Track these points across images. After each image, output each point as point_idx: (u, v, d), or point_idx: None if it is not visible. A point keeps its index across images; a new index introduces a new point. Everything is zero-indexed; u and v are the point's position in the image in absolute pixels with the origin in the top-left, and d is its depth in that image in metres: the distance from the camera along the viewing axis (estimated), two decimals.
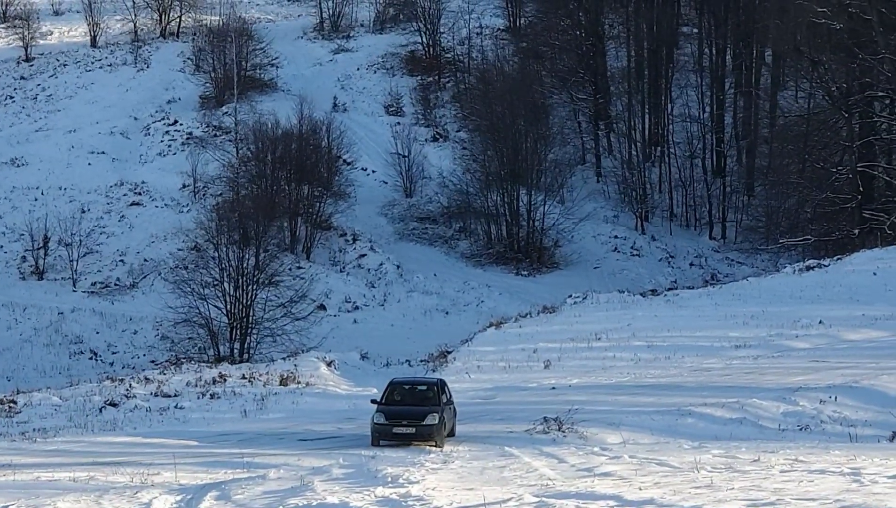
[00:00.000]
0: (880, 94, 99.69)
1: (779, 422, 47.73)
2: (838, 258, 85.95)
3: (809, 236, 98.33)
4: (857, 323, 66.15)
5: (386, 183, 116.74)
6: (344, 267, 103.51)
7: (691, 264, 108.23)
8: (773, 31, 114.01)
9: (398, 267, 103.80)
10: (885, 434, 41.03)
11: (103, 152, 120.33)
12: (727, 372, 59.11)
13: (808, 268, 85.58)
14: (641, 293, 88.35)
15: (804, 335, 65.85)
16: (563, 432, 47.74)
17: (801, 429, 46.59)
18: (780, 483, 24.97)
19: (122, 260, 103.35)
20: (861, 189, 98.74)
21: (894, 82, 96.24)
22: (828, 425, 46.81)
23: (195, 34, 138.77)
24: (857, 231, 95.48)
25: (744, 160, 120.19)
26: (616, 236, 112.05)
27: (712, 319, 72.72)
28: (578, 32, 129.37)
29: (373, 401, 50.94)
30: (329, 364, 72.23)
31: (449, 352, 74.50)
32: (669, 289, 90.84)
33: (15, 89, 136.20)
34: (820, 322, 67.48)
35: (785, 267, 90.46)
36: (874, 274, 77.69)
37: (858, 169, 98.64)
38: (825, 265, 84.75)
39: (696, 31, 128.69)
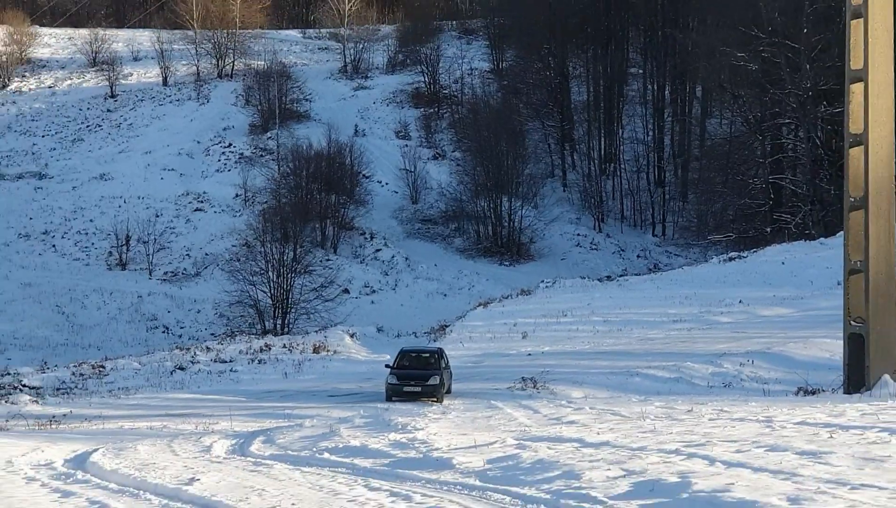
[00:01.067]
0: (787, 120, 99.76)
1: (707, 380, 47.77)
2: (754, 251, 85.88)
3: (731, 234, 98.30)
4: (769, 302, 66.12)
5: (396, 193, 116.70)
6: (363, 259, 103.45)
7: (638, 256, 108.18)
8: (702, 72, 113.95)
9: (406, 259, 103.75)
10: (792, 390, 40.91)
11: (173, 169, 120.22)
12: (666, 341, 59.12)
13: (731, 259, 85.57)
14: (599, 279, 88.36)
15: (727, 311, 65.83)
16: (537, 389, 47.79)
17: (725, 386, 46.60)
18: (708, 428, 24.90)
19: (187, 254, 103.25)
20: (772, 196, 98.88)
21: (798, 112, 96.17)
22: (746, 382, 46.83)
23: (245, 75, 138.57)
24: (769, 229, 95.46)
25: (679, 173, 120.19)
26: (578, 234, 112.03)
27: (655, 299, 72.68)
28: (548, 73, 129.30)
29: (387, 366, 51.08)
30: (352, 336, 72.23)
31: (447, 326, 74.51)
32: (621, 276, 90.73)
33: (103, 120, 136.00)
34: (740, 302, 67.43)
35: (712, 258, 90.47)
36: (783, 263, 77.64)
37: (770, 180, 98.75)
38: (744, 257, 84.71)
39: (641, 71, 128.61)
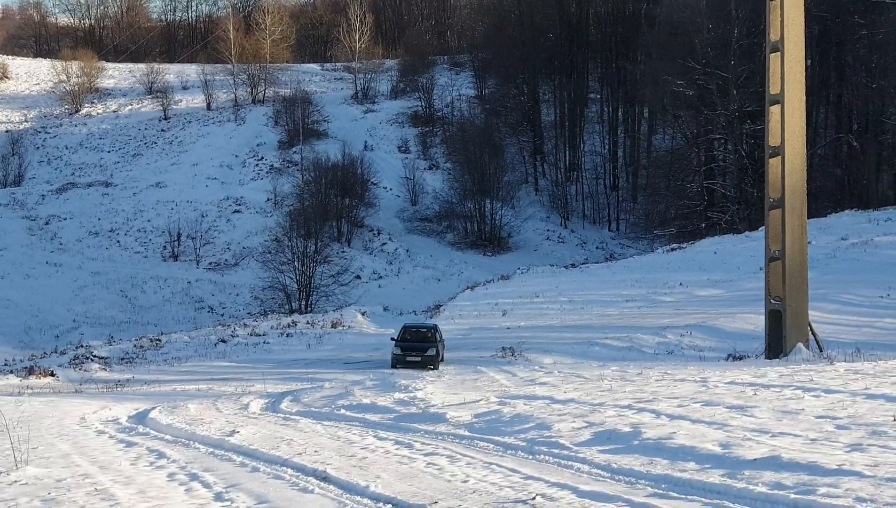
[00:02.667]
0: (718, 136, 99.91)
1: (654, 349, 47.83)
2: (692, 243, 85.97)
3: (673, 229, 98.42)
4: (704, 285, 66.17)
5: (399, 197, 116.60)
6: (372, 251, 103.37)
7: (597, 247, 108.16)
8: (648, 96, 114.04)
9: (407, 251, 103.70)
10: (723, 356, 40.97)
11: (215, 178, 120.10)
12: (620, 317, 59.15)
13: (673, 249, 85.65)
14: (565, 266, 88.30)
15: (670, 292, 65.87)
16: (515, 356, 47.82)
17: (668, 353, 46.67)
18: (655, 387, 24.93)
19: (228, 248, 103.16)
20: (706, 198, 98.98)
21: (727, 128, 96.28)
22: (686, 350, 46.91)
23: (274, 101, 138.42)
24: (703, 225, 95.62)
25: (630, 180, 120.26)
26: (548, 230, 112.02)
27: (610, 282, 72.73)
28: (522, 98, 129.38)
29: (392, 338, 51.13)
30: (363, 314, 72.17)
31: (440, 305, 74.47)
32: (583, 263, 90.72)
33: (158, 138, 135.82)
34: (680, 284, 67.49)
35: (657, 249, 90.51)
36: (715, 253, 77.69)
37: (704, 185, 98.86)
38: (683, 247, 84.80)
39: (598, 96, 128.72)
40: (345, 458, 18.61)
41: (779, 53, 35.25)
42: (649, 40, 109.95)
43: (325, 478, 16.57)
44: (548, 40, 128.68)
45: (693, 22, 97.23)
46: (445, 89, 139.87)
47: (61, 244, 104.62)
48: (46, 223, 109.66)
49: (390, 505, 14.39)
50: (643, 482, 15.06)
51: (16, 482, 16.53)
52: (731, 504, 13.19)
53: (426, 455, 18.53)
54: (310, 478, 16.65)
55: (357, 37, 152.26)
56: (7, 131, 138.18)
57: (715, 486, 14.26)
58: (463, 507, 13.97)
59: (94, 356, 59.12)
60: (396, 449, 19.45)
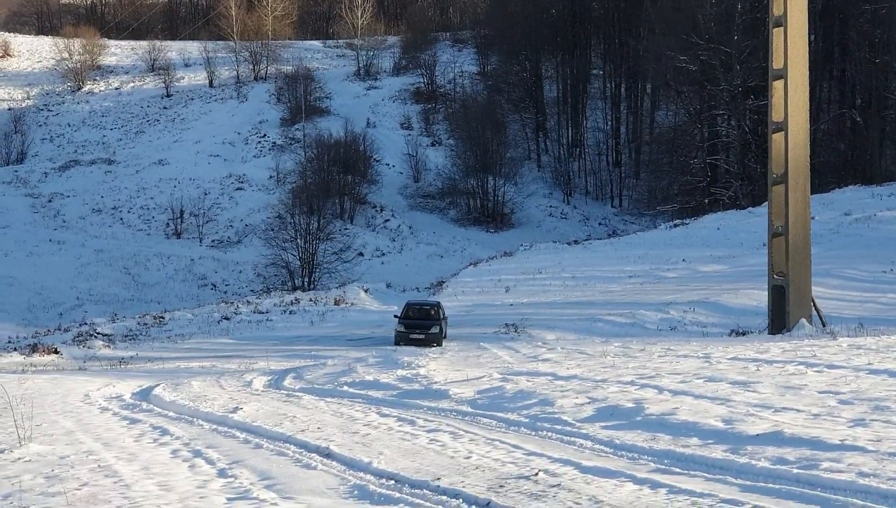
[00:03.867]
0: (721, 112, 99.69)
1: (657, 325, 47.78)
2: (695, 219, 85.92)
3: (676, 205, 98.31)
4: (707, 260, 66.10)
5: (401, 173, 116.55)
6: (375, 228, 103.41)
7: (599, 224, 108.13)
8: (651, 72, 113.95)
9: (410, 227, 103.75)
10: (726, 332, 40.96)
11: (218, 155, 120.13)
12: (623, 293, 59.12)
13: (675, 225, 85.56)
14: (567, 243, 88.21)
15: (673, 268, 65.83)
16: (518, 333, 47.80)
17: (671, 329, 46.63)
18: (658, 363, 24.94)
19: (231, 225, 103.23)
20: (709, 174, 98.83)
21: (730, 104, 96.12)
22: (689, 326, 46.87)
23: (276, 78, 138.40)
24: (706, 201, 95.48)
25: (633, 156, 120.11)
26: (550, 206, 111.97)
27: (613, 259, 72.69)
28: (525, 74, 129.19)
29: (395, 316, 51.14)
30: (366, 291, 72.17)
31: (443, 282, 74.48)
32: (586, 240, 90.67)
33: (160, 115, 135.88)
34: (683, 260, 67.45)
35: (660, 225, 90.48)
36: (718, 229, 77.60)
37: (707, 161, 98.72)
38: (686, 223, 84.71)
39: (601, 72, 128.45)
40: (348, 435, 18.64)
41: (782, 28, 35.16)
42: (652, 15, 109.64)
43: (328, 455, 16.60)
44: (550, 16, 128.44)
45: None
46: (448, 66, 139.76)
47: (64, 222, 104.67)
48: (49, 201, 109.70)
49: (393, 482, 14.42)
50: (646, 457, 15.09)
51: (19, 459, 16.57)
52: (734, 480, 13.20)
53: (429, 431, 18.55)
54: (313, 455, 16.68)
55: (359, 13, 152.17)
56: (9, 109, 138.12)
57: (717, 461, 14.28)
58: (466, 483, 13.99)
59: (98, 334, 59.21)
60: (399, 426, 19.47)
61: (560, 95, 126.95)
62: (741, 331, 39.47)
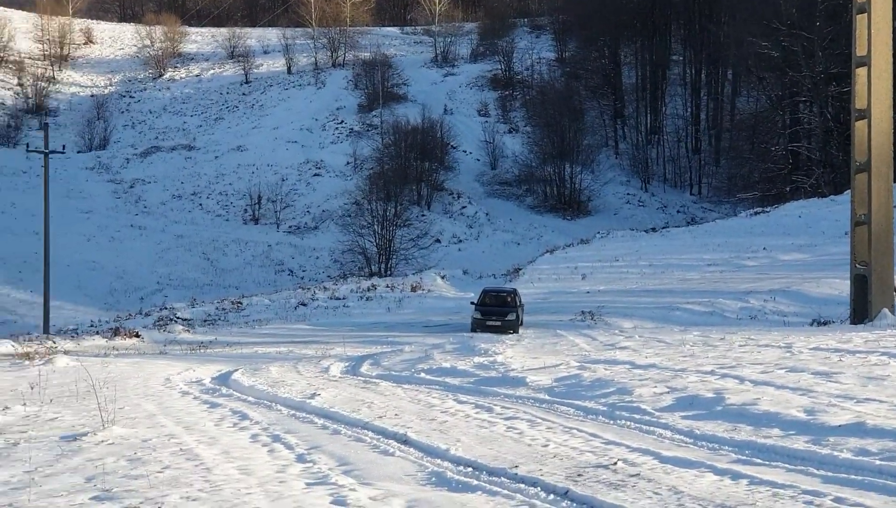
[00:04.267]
0: (803, 98, 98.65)
1: (736, 314, 47.40)
2: (775, 207, 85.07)
3: (756, 192, 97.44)
4: (788, 249, 65.43)
5: (478, 160, 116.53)
6: (452, 214, 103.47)
7: (678, 211, 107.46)
8: (732, 58, 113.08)
9: (487, 214, 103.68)
10: (807, 321, 40.60)
11: (296, 142, 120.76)
12: (702, 282, 58.69)
13: (756, 213, 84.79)
14: (645, 230, 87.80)
15: (753, 257, 65.24)
16: (594, 320, 47.64)
17: (751, 318, 46.24)
18: (738, 353, 24.75)
19: (308, 211, 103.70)
20: (790, 161, 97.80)
21: (812, 91, 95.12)
22: (769, 316, 46.45)
23: (354, 65, 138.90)
24: (787, 189, 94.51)
25: (713, 143, 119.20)
26: (628, 193, 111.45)
27: (692, 247, 72.20)
28: (603, 60, 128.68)
29: (472, 302, 51.16)
30: (442, 277, 72.26)
31: (520, 269, 74.39)
32: (664, 227, 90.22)
33: (239, 102, 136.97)
34: (763, 249, 66.84)
35: (740, 213, 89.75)
36: (799, 217, 76.79)
37: (789, 148, 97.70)
38: (767, 211, 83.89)
39: (681, 58, 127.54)
40: (425, 421, 18.66)
41: (865, 15, 34.72)
42: (733, 1, 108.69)
43: (405, 441, 16.63)
44: (630, 2, 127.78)
45: None
46: (525, 52, 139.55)
47: (145, 207, 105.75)
48: (131, 187, 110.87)
49: (471, 469, 14.41)
50: (726, 448, 14.98)
51: (103, 441, 16.75)
52: (816, 471, 13.07)
53: (506, 419, 18.53)
54: (391, 441, 16.72)
55: (437, 0, 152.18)
56: (92, 96, 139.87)
57: (799, 452, 14.14)
58: (544, 471, 13.95)
59: (178, 318, 59.77)
60: (476, 413, 19.46)
61: (639, 81, 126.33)
62: (823, 321, 39.10)
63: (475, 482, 13.57)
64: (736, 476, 13.14)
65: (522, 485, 13.27)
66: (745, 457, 14.25)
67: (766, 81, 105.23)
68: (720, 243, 71.48)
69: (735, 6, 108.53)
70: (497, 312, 48.66)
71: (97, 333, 53.14)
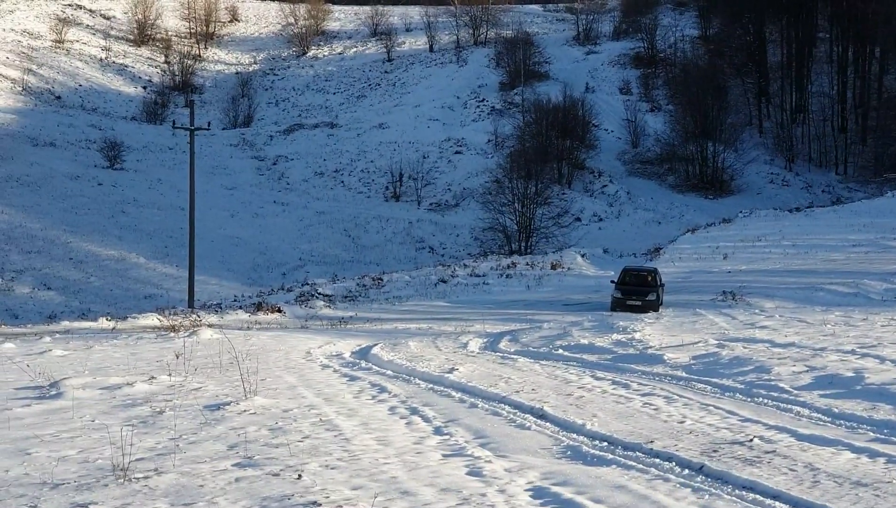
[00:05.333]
0: None
1: (881, 295, 46.46)
2: None
3: None
4: None
5: (619, 139, 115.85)
6: (592, 193, 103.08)
7: (823, 191, 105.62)
8: (880, 35, 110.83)
9: (628, 193, 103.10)
10: None
11: (437, 120, 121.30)
12: (846, 262, 57.69)
13: None
14: (789, 210, 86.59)
15: None
16: (736, 300, 47.10)
17: None
18: (880, 332, 24.49)
19: (449, 189, 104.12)
20: None
21: None
22: None
23: (496, 43, 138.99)
24: None
25: (859, 122, 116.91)
26: (771, 173, 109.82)
27: (837, 227, 71.02)
28: (748, 38, 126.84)
29: (612, 281, 50.87)
30: (582, 256, 72.08)
31: (660, 248, 73.95)
32: (808, 207, 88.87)
33: (381, 80, 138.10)
34: None
35: (887, 193, 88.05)
36: None
37: None
38: None
39: (827, 36, 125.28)
40: (562, 397, 18.82)
41: None
42: None
43: (542, 416, 16.81)
44: None
45: None
46: (668, 30, 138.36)
47: (288, 184, 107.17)
48: (274, 164, 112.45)
49: (606, 443, 14.54)
50: (865, 426, 14.90)
51: (245, 411, 17.20)
52: None
53: (643, 395, 18.61)
54: (527, 415, 16.91)
55: None
56: (237, 73, 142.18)
57: None
58: (679, 447, 14.02)
59: (319, 294, 60.47)
60: (613, 389, 19.58)
61: (784, 59, 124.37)
62: None
63: (610, 456, 13.71)
64: (874, 455, 13.09)
65: (657, 460, 13.37)
66: (883, 436, 14.17)
67: None
68: (865, 223, 70.23)
69: None
70: (637, 291, 48.34)
71: (240, 307, 54.08)
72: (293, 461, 13.40)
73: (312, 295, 59.81)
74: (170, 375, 21.52)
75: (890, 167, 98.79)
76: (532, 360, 25.51)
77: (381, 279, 66.08)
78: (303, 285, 66.13)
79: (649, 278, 49.79)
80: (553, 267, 67.71)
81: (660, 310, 46.34)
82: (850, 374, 18.40)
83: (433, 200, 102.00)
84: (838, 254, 60.94)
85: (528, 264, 69.45)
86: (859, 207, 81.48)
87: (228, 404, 17.80)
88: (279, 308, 52.49)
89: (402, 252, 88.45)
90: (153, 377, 21.11)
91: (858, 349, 21.39)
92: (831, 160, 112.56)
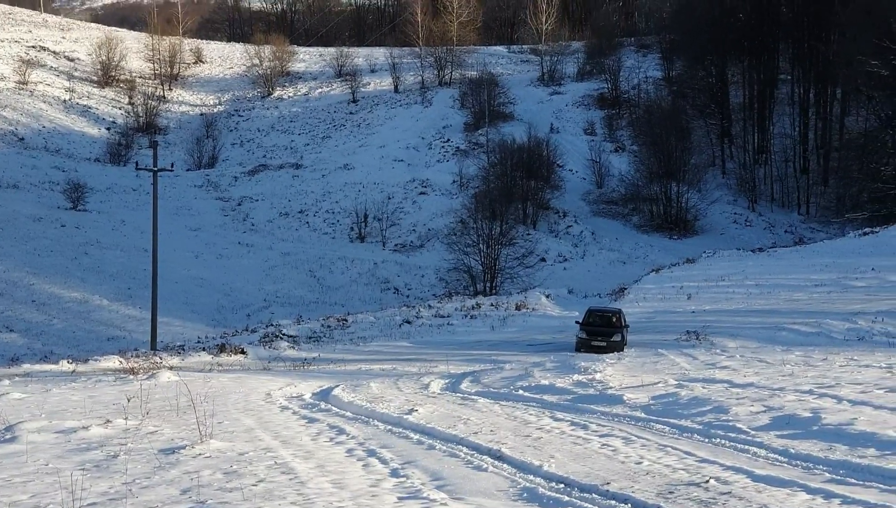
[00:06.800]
0: None
1: (843, 335, 46.64)
2: (885, 227, 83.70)
3: (865, 212, 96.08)
4: None
5: (584, 179, 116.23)
6: (557, 233, 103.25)
7: (785, 231, 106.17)
8: (841, 77, 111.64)
9: (592, 233, 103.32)
10: None
11: (402, 160, 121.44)
12: (809, 302, 57.89)
13: (865, 233, 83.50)
14: (752, 250, 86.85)
15: (861, 277, 64.14)
16: (699, 340, 47.22)
17: (858, 340, 45.48)
18: (838, 373, 24.55)
19: (414, 229, 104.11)
20: None
21: None
22: (877, 337, 45.63)
23: (461, 83, 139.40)
24: None
25: (821, 162, 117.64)
26: (735, 213, 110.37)
27: (799, 267, 71.28)
28: (710, 80, 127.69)
29: (577, 321, 50.94)
30: (547, 296, 72.10)
31: (625, 288, 74.03)
32: (770, 247, 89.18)
33: (346, 120, 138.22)
34: (872, 269, 65.73)
35: (849, 233, 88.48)
36: None
37: None
38: (876, 232, 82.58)
39: (789, 77, 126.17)
40: (520, 438, 18.78)
41: None
42: (843, 19, 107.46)
43: (499, 457, 16.77)
44: (737, 20, 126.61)
45: (889, 0, 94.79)
46: (632, 71, 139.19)
47: (253, 225, 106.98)
48: (239, 204, 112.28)
49: (563, 485, 14.51)
50: (821, 467, 14.92)
51: (200, 454, 17.08)
52: None
53: (601, 436, 18.59)
54: (484, 457, 16.87)
55: (544, 18, 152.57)
56: (202, 114, 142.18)
57: (895, 472, 14.03)
58: (635, 488, 14.00)
59: (284, 335, 60.30)
60: (572, 430, 19.55)
61: (746, 100, 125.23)
62: None
63: (566, 498, 13.67)
64: (829, 496, 13.10)
65: (613, 502, 13.34)
66: (839, 477, 14.19)
67: (875, 100, 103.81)
68: (828, 263, 70.52)
69: (844, 25, 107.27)
70: (602, 332, 48.42)
71: (203, 349, 53.85)
72: (246, 505, 13.29)
73: (277, 336, 59.62)
74: (126, 418, 21.35)
75: (851, 208, 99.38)
76: (492, 401, 25.47)
77: (346, 320, 65.96)
78: (267, 325, 65.92)
79: (614, 319, 49.88)
80: (518, 307, 67.70)
81: (623, 350, 46.42)
82: (808, 414, 18.44)
83: (398, 240, 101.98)
84: (801, 294, 61.16)
85: (492, 304, 69.42)
86: (821, 247, 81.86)
87: (184, 447, 17.67)
88: (242, 349, 52.30)
89: (367, 293, 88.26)
90: (109, 421, 20.95)
91: (816, 389, 21.44)
92: (793, 201, 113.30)
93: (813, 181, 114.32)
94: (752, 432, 17.71)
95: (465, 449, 17.67)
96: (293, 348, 55.43)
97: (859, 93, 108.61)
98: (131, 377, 33.94)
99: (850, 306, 53.25)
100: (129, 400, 23.72)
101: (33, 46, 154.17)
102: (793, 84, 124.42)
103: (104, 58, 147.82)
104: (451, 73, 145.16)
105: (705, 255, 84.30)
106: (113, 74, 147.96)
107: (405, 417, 22.20)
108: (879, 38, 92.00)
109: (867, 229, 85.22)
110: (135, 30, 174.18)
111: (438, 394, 28.24)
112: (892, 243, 75.20)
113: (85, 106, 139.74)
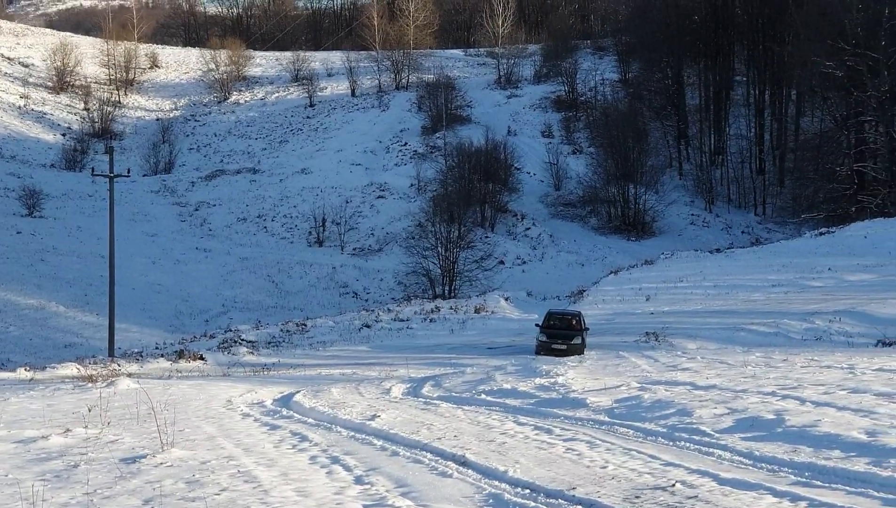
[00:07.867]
0: (868, 118, 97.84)
1: (801, 335, 46.94)
2: (841, 227, 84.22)
3: (821, 213, 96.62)
4: (854, 269, 64.66)
5: (542, 181, 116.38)
6: (516, 236, 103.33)
7: (742, 232, 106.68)
8: (796, 78, 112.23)
9: (551, 236, 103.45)
10: (872, 342, 40.23)
11: (359, 164, 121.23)
12: (766, 302, 58.18)
13: (821, 234, 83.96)
14: (709, 251, 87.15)
15: (818, 277, 64.53)
16: (658, 341, 47.39)
17: (816, 339, 45.79)
18: (800, 374, 24.57)
19: (372, 233, 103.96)
20: (856, 181, 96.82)
21: (877, 110, 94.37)
22: (834, 336, 45.96)
23: (418, 87, 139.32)
24: (853, 209, 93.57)
25: (777, 163, 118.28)
26: (692, 214, 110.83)
27: (756, 267, 71.58)
28: (667, 82, 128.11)
29: (536, 324, 51.01)
30: (506, 299, 72.14)
31: (584, 290, 74.16)
32: (728, 248, 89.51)
33: (303, 125, 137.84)
34: (829, 269, 66.13)
35: (805, 233, 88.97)
36: (865, 237, 75.99)
37: (854, 168, 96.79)
38: (832, 232, 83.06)
39: (744, 79, 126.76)
40: (484, 443, 18.67)
41: None
42: (797, 21, 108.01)
43: (463, 463, 16.65)
44: (693, 23, 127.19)
45: (842, 2, 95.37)
46: (589, 74, 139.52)
47: (210, 230, 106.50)
48: (196, 210, 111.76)
49: (528, 491, 14.41)
50: (786, 470, 14.89)
51: (161, 464, 16.88)
52: (876, 493, 12.96)
53: (565, 440, 18.51)
54: (449, 463, 16.75)
55: (500, 22, 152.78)
56: (157, 119, 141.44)
57: (860, 474, 14.03)
58: (601, 493, 13.92)
59: (243, 340, 60.04)
60: (536, 434, 19.46)
61: (702, 102, 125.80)
62: (888, 342, 38.72)
63: (532, 503, 13.57)
64: (795, 499, 13.06)
65: (580, 507, 13.25)
66: (804, 479, 14.16)
67: (830, 101, 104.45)
68: (785, 263, 70.87)
69: (799, 26, 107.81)
70: (562, 335, 48.45)
71: (162, 355, 53.52)
72: None
73: (235, 342, 59.37)
74: (86, 427, 21.09)
75: (807, 208, 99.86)
76: (455, 405, 25.36)
77: (305, 325, 65.77)
78: (226, 331, 65.68)
79: (574, 322, 49.98)
80: (477, 311, 67.70)
81: (584, 353, 46.44)
82: (771, 416, 18.42)
83: (356, 244, 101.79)
84: (758, 294, 61.44)
85: (451, 307, 69.38)
86: (778, 247, 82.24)
87: (145, 456, 17.46)
88: (201, 356, 52.01)
89: (325, 297, 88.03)
90: (69, 430, 20.69)
91: (779, 391, 21.44)
92: (750, 201, 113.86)
93: (769, 182, 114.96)
94: (717, 434, 17.68)
95: (429, 455, 17.55)
96: (252, 353, 55.20)
97: (814, 94, 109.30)
98: (90, 384, 33.60)
99: (808, 306, 53.55)
100: (89, 409, 23.42)
101: None
102: (748, 86, 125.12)
103: (59, 63, 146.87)
104: (408, 76, 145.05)
105: (663, 256, 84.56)
106: (68, 79, 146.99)
107: (368, 423, 22.06)
108: (833, 40, 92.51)
109: (823, 230, 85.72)
110: (90, 35, 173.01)
111: (400, 399, 28.11)
112: (847, 242, 75.64)
113: (40, 112, 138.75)
